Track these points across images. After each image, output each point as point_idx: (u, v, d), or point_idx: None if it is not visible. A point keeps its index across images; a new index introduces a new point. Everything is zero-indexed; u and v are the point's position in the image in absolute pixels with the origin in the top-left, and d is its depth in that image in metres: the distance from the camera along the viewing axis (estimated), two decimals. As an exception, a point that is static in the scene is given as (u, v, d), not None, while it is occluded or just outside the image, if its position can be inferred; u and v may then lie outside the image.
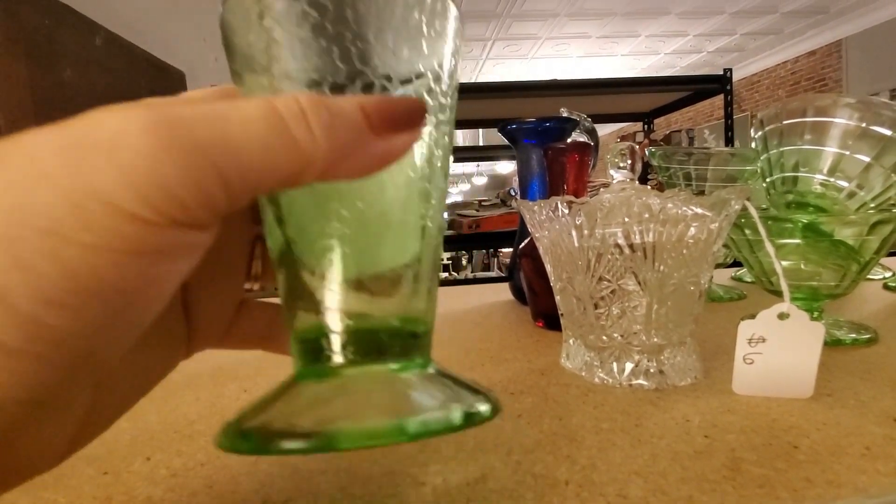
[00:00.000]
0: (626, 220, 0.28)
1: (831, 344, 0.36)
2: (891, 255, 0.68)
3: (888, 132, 0.33)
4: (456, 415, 0.13)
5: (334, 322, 0.14)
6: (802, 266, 0.37)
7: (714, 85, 1.81)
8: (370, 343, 0.14)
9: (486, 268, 5.13)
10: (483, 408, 0.13)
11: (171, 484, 0.22)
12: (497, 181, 9.87)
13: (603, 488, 0.20)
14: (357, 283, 0.14)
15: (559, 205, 0.30)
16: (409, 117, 0.13)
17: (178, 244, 0.11)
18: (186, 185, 0.10)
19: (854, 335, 0.36)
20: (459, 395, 0.14)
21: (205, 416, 0.29)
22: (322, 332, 0.14)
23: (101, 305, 0.10)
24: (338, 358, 0.14)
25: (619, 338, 0.31)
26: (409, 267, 0.15)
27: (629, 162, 0.31)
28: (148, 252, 0.10)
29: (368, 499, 0.20)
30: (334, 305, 0.14)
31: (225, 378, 0.36)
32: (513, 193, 3.27)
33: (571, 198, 0.29)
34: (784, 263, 0.38)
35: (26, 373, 0.10)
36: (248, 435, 0.12)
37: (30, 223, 0.09)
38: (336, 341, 0.14)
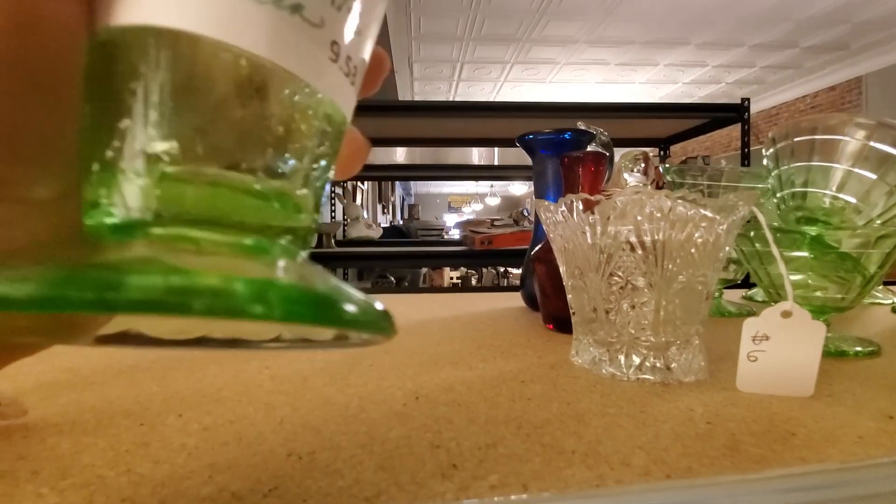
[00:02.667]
0: (638, 218, 0.30)
1: (835, 354, 0.36)
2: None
3: (893, 150, 0.34)
4: (322, 291, 0.09)
5: (155, 161, 0.09)
6: (810, 282, 0.38)
7: (731, 114, 1.83)
8: (209, 205, 0.10)
9: (496, 288, 5.13)
10: (370, 310, 0.10)
11: (203, 436, 0.24)
12: (510, 202, 9.93)
13: (608, 458, 0.21)
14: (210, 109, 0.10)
15: (574, 202, 0.31)
16: None
17: None
18: None
19: (858, 348, 0.37)
20: (346, 292, 0.10)
21: (230, 384, 0.31)
22: (133, 173, 0.09)
23: None
24: (148, 212, 0.09)
25: (628, 334, 0.32)
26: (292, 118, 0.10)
27: (642, 166, 0.33)
28: None
29: (387, 455, 0.21)
30: (168, 136, 0.09)
31: (247, 355, 0.38)
32: (526, 214, 3.29)
33: (586, 195, 0.30)
34: (792, 277, 0.39)
35: None
36: None
37: None
38: (152, 188, 0.09)
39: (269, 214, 0.10)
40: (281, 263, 0.10)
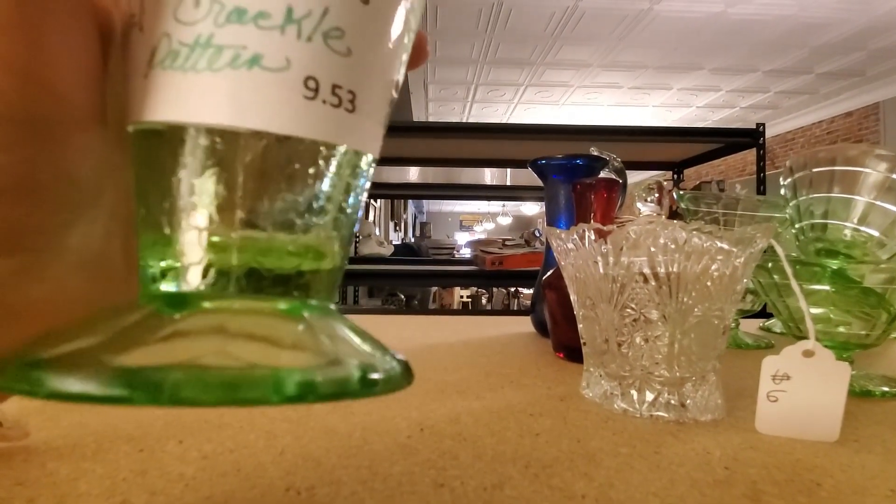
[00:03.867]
0: (652, 249, 0.29)
1: (861, 394, 0.35)
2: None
3: (918, 183, 0.33)
4: (354, 374, 0.10)
5: (203, 237, 0.10)
6: (832, 317, 0.37)
7: (746, 139, 1.81)
8: (250, 271, 0.11)
9: (507, 308, 5.09)
10: (391, 372, 0.11)
11: (202, 465, 0.23)
12: (522, 222, 9.93)
13: (619, 504, 0.20)
14: (246, 188, 0.10)
15: (586, 232, 0.31)
16: None
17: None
18: None
19: (885, 388, 0.35)
20: (364, 350, 0.11)
21: (233, 410, 0.31)
22: (184, 249, 0.10)
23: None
24: (198, 284, 0.10)
25: (641, 368, 0.31)
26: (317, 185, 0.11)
27: (656, 196, 0.32)
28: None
29: (388, 493, 0.21)
30: (209, 215, 0.10)
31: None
32: (537, 235, 3.28)
33: (598, 225, 0.30)
34: (813, 311, 0.37)
35: None
36: (37, 365, 0.09)
37: None
38: (201, 261, 0.10)
39: (300, 272, 0.11)
40: (314, 332, 0.11)
